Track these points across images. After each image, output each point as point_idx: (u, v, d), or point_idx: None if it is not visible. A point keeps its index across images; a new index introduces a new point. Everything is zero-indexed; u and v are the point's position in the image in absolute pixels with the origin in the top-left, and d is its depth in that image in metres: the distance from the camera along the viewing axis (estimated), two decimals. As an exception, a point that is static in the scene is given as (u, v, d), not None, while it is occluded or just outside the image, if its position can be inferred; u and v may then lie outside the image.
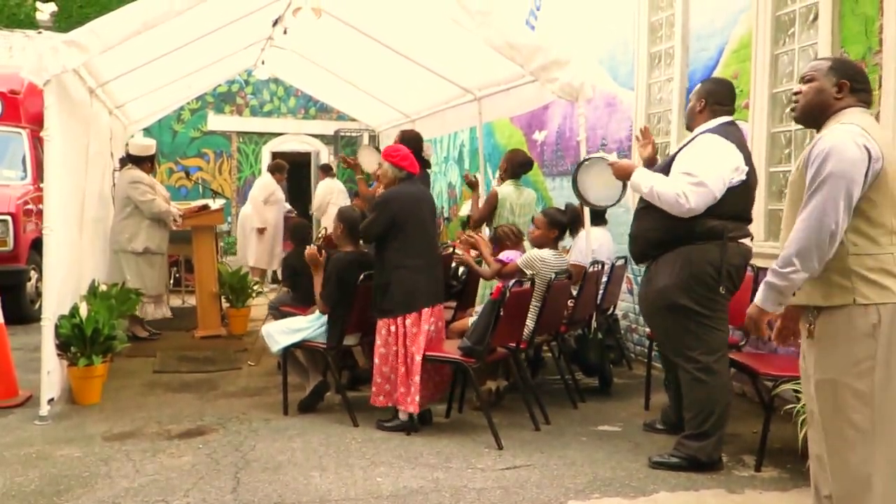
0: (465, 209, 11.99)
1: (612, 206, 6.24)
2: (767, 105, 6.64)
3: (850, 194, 3.46)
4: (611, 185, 5.95)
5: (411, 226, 6.17)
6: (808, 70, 3.84)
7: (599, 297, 7.61)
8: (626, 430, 6.34)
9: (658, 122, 8.51)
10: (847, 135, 3.51)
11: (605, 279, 7.64)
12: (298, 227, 9.13)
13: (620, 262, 7.96)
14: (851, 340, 3.54)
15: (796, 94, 3.85)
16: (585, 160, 6.11)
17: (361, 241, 6.72)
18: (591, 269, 7.22)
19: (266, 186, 13.25)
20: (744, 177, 5.20)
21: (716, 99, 5.43)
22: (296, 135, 18.25)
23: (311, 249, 6.73)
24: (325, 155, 18.18)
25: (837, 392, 3.57)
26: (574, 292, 7.11)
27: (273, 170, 13.62)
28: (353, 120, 16.49)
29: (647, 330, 8.27)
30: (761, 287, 3.74)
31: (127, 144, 10.12)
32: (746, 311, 3.84)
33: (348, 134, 18.16)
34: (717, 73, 7.27)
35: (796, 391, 5.46)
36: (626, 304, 8.90)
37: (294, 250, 8.64)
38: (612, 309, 8.21)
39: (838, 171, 3.45)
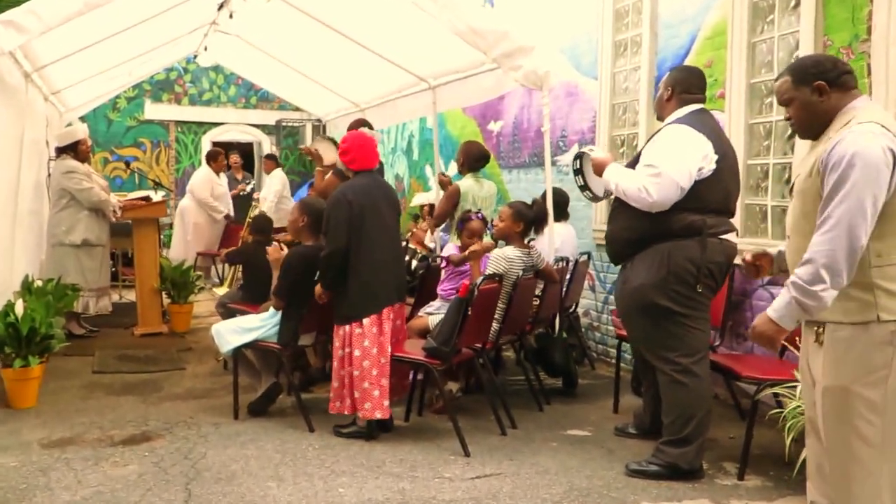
0: (415, 200, 11.69)
1: (609, 196, 5.94)
2: (745, 95, 6.39)
3: (875, 203, 3.21)
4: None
5: (368, 222, 5.77)
6: (778, 95, 3.64)
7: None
8: (597, 435, 6.06)
9: (624, 112, 8.25)
10: (870, 137, 3.25)
11: (567, 276, 7.37)
12: (259, 219, 8.76)
13: (583, 258, 7.72)
14: (867, 348, 3.29)
15: (788, 118, 3.65)
16: (580, 154, 5.77)
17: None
18: (556, 266, 6.94)
19: (204, 182, 12.90)
20: (714, 165, 4.95)
21: (683, 87, 5.22)
22: (236, 124, 17.79)
23: (275, 248, 6.41)
24: (267, 145, 17.75)
25: (847, 400, 3.32)
26: (538, 290, 6.82)
27: (209, 158, 13.27)
28: (296, 109, 16.13)
29: (613, 329, 8.07)
30: (780, 303, 3.39)
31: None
32: (754, 325, 3.51)
33: (290, 124, 17.75)
34: (688, 61, 7.02)
35: (776, 395, 5.25)
36: (587, 302, 8.64)
37: (253, 242, 8.31)
38: (573, 307, 7.94)
39: (864, 178, 3.19)
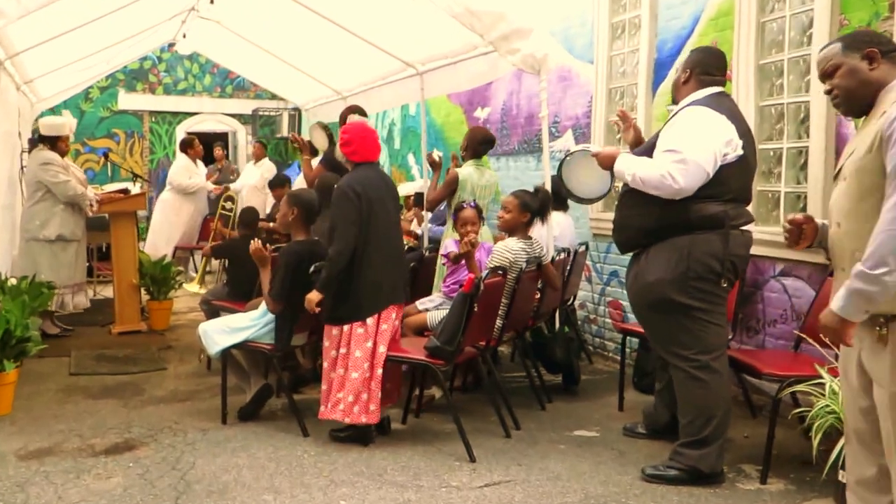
0: (400, 190, 11.36)
1: (603, 197, 5.69)
2: (754, 77, 6.11)
3: None
4: (598, 176, 5.36)
5: (375, 217, 5.42)
6: (823, 63, 3.35)
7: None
8: (605, 436, 5.77)
9: (621, 97, 7.94)
10: None
11: (567, 268, 7.08)
12: (246, 213, 8.44)
13: (582, 248, 7.44)
14: None
15: (829, 91, 3.35)
16: (567, 155, 5.52)
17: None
18: (557, 258, 6.65)
19: (182, 171, 12.47)
20: (741, 151, 4.67)
21: (702, 69, 4.91)
22: (212, 114, 17.39)
23: (256, 244, 6.04)
24: (243, 135, 17.38)
25: None
26: (539, 283, 6.52)
27: (184, 147, 12.78)
28: (274, 98, 15.87)
29: (611, 321, 7.80)
30: (843, 293, 3.05)
31: (36, 122, 9.30)
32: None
33: (267, 113, 17.36)
34: (692, 43, 6.74)
35: (793, 393, 4.98)
36: (583, 293, 8.34)
37: (240, 237, 8.01)
38: (571, 299, 7.64)
39: None
